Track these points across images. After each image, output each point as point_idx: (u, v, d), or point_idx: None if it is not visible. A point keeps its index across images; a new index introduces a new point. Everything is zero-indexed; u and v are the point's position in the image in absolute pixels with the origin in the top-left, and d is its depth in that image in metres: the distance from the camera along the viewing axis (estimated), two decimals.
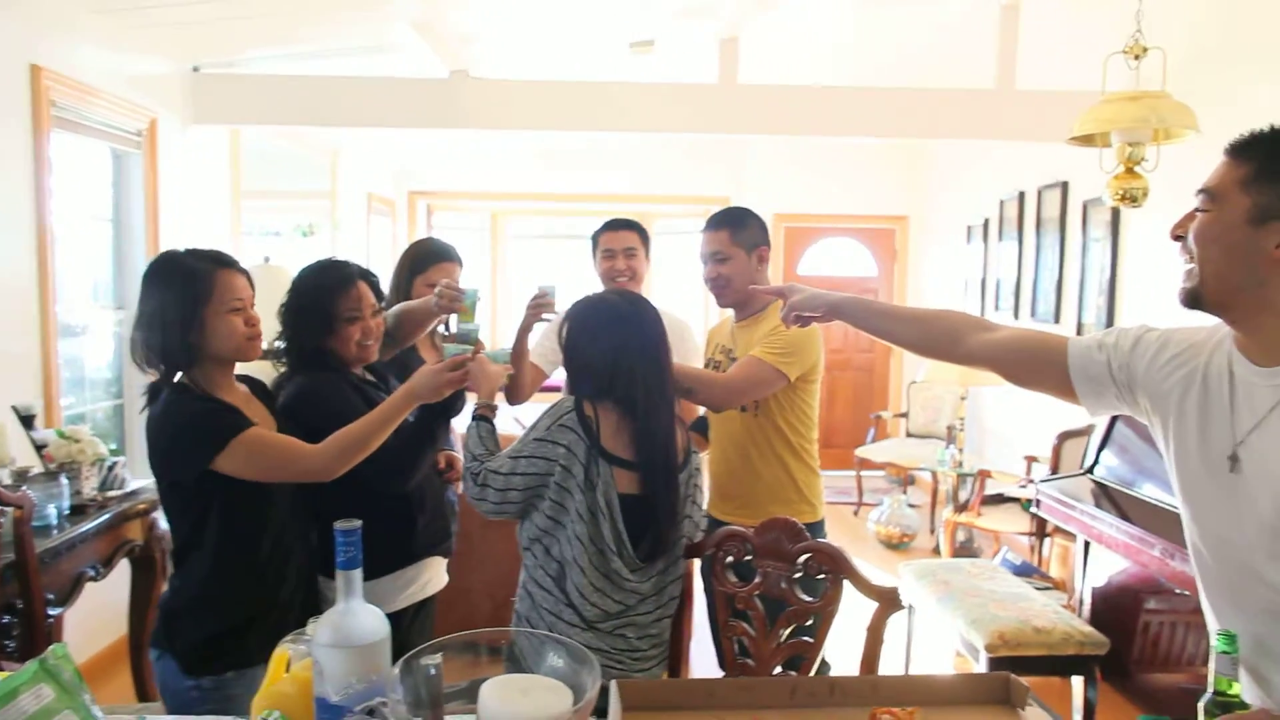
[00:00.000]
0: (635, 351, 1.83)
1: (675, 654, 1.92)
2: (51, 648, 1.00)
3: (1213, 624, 1.31)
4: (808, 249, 7.52)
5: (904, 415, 6.58)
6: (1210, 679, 1.10)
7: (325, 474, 1.72)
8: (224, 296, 1.70)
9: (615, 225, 2.78)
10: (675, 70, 5.59)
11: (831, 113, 4.41)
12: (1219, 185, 1.20)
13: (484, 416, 1.90)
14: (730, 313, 2.50)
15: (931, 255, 7.20)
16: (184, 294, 1.68)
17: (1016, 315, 5.50)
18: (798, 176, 7.20)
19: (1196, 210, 1.23)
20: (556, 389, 2.40)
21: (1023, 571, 3.80)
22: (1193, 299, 1.24)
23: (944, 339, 1.53)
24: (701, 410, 2.51)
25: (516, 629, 1.38)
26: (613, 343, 1.83)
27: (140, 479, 2.98)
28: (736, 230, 2.34)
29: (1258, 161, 1.17)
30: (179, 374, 1.72)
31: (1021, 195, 5.41)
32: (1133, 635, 3.21)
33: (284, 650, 1.36)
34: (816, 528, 2.34)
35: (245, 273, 1.78)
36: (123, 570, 2.88)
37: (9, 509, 2.22)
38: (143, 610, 2.91)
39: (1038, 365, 1.43)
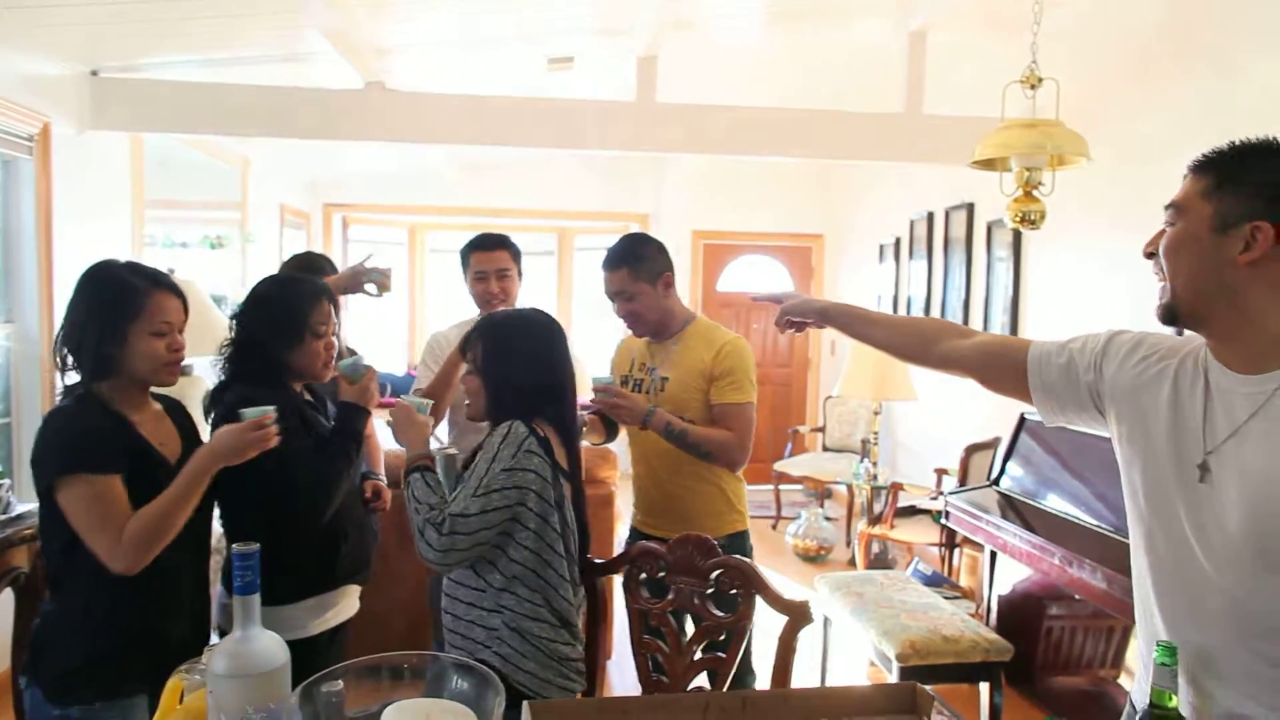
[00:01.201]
0: (561, 367, 1.83)
1: (591, 672, 1.91)
2: None
3: (1149, 631, 1.30)
4: (727, 266, 7.63)
5: (821, 429, 6.70)
6: (1147, 692, 1.10)
7: (115, 564, 1.58)
8: (152, 317, 1.66)
9: (486, 244, 2.74)
10: (593, 88, 5.62)
11: (747, 133, 4.49)
12: (1183, 199, 1.23)
13: (423, 468, 1.76)
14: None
15: (846, 273, 7.38)
16: (112, 307, 1.65)
17: None
18: (716, 194, 7.31)
19: (1165, 226, 1.26)
20: None
21: (933, 582, 3.90)
22: (1169, 315, 1.24)
23: (919, 344, 1.58)
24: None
25: (420, 652, 1.34)
26: (543, 360, 1.82)
27: (27, 503, 2.83)
28: (635, 266, 2.36)
29: (1217, 171, 1.19)
30: (91, 383, 1.67)
31: (930, 215, 5.60)
32: (1036, 641, 3.33)
33: (178, 680, 1.31)
34: (744, 536, 2.40)
35: (183, 297, 1.74)
36: (6, 600, 2.71)
37: None
38: (26, 641, 2.75)
39: (1001, 367, 1.45)
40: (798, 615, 1.70)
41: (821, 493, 6.61)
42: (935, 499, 4.68)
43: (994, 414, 4.62)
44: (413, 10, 3.98)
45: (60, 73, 3.85)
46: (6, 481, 2.74)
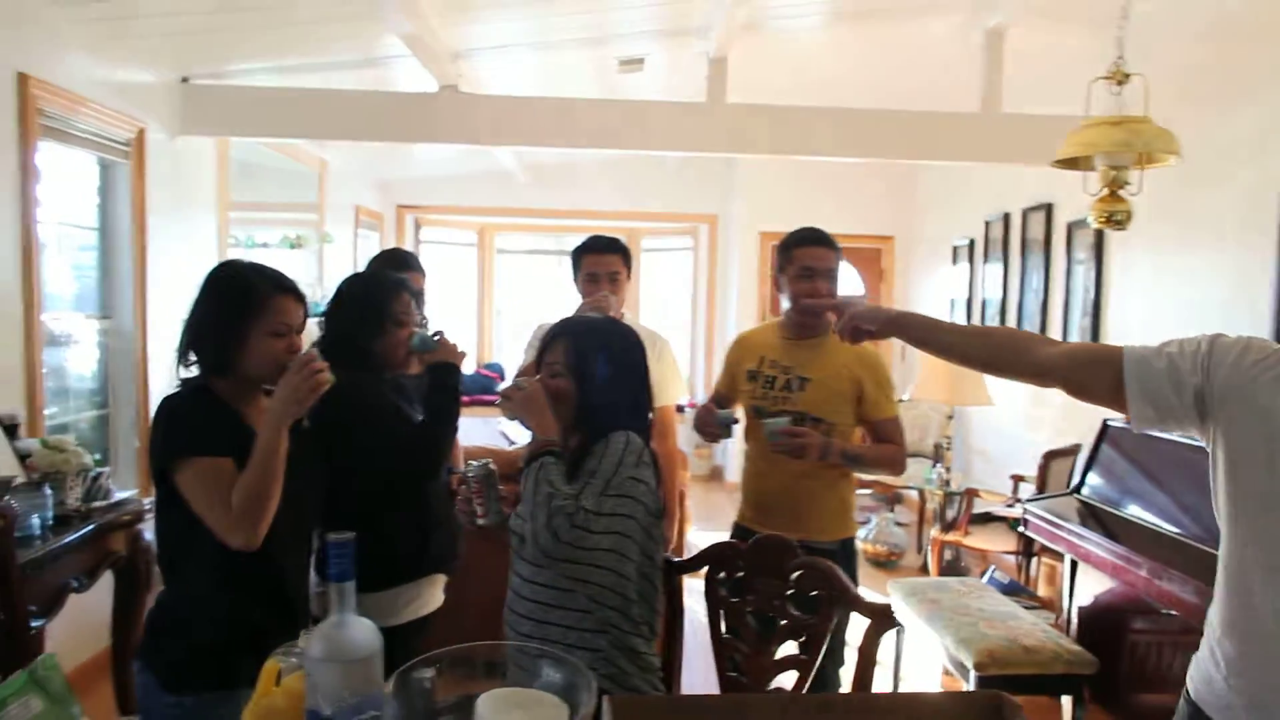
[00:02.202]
0: (648, 382, 1.83)
1: (668, 671, 1.91)
2: (41, 658, 0.98)
3: (1251, 631, 1.28)
4: None
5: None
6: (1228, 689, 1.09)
7: (233, 539, 1.60)
8: (272, 318, 1.69)
9: (599, 247, 2.75)
10: (664, 89, 5.63)
11: (819, 134, 4.45)
12: None
13: (555, 452, 1.68)
14: (769, 323, 2.56)
15: (918, 275, 7.26)
16: (234, 306, 1.69)
17: None
18: (785, 195, 7.24)
19: None
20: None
21: (1010, 590, 3.81)
22: None
23: (1009, 354, 1.53)
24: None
25: (512, 643, 1.36)
26: (638, 374, 1.81)
27: (125, 490, 2.95)
28: (838, 254, 2.41)
29: None
30: (209, 378, 1.73)
31: (1007, 217, 5.47)
32: (1120, 655, 3.22)
33: (274, 662, 1.35)
34: (853, 541, 2.45)
35: (304, 301, 1.77)
36: (106, 582, 2.84)
37: None
38: (126, 623, 2.87)
39: (1094, 375, 1.40)
40: (880, 619, 1.67)
41: (891, 497, 6.50)
42: (1012, 506, 4.57)
43: (1074, 421, 4.49)
44: (486, 14, 4.05)
45: (154, 80, 4.02)
46: (106, 469, 2.86)
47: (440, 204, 7.92)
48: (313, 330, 1.98)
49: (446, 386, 2.06)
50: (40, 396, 3.18)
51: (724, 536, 2.00)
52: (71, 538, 2.54)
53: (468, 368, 8.12)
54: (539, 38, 4.51)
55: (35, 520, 2.48)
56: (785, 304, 2.47)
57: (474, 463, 1.93)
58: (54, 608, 2.50)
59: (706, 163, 7.63)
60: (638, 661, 1.65)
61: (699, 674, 3.60)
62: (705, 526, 6.00)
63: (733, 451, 7.50)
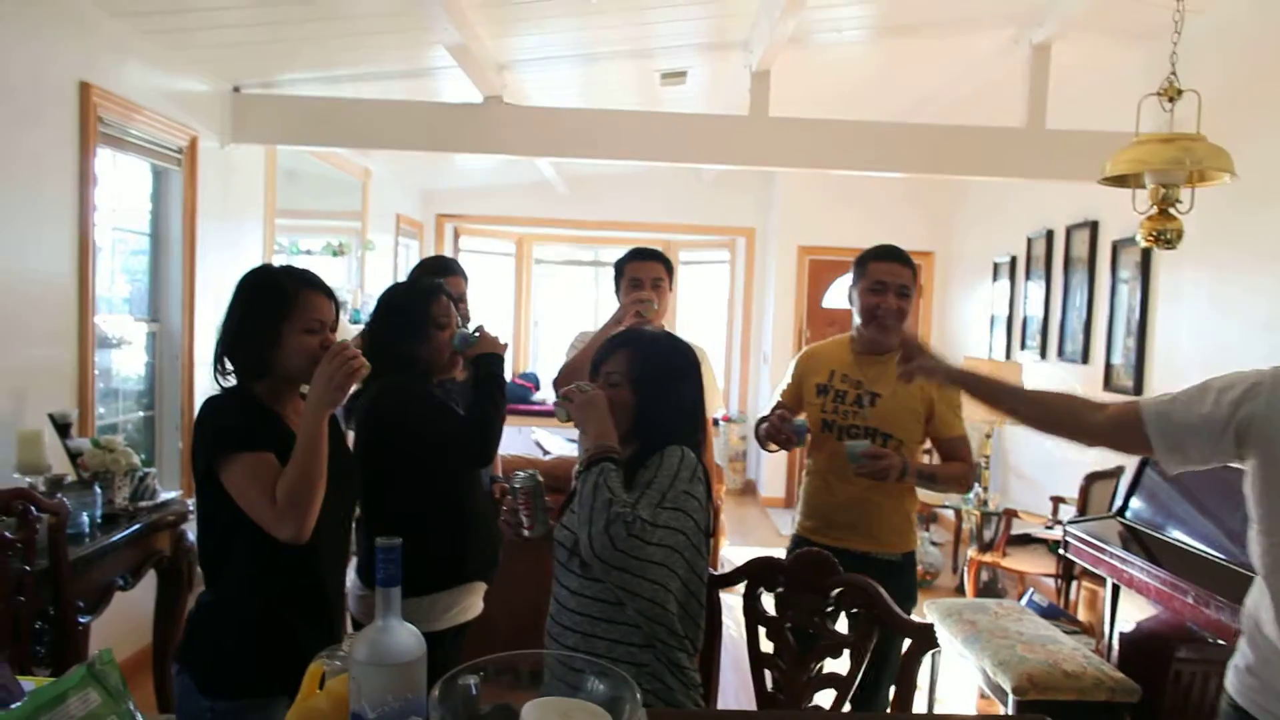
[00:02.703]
0: (702, 397, 1.83)
1: (706, 685, 1.90)
2: (99, 653, 1.01)
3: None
4: (833, 282, 7.52)
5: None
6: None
7: (281, 532, 1.61)
8: (304, 314, 1.71)
9: (643, 254, 2.80)
10: (706, 102, 5.64)
11: (862, 148, 4.43)
12: None
13: (610, 457, 1.63)
14: (838, 338, 2.56)
15: (957, 292, 7.18)
16: (265, 307, 1.71)
17: (1044, 355, 5.47)
18: (823, 209, 7.23)
19: None
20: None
21: (1050, 614, 3.74)
22: None
23: (1067, 420, 1.71)
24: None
25: (557, 651, 1.36)
26: (695, 386, 1.81)
27: (169, 491, 3.01)
28: (914, 272, 2.44)
29: None
30: (247, 381, 1.75)
31: (1050, 234, 5.40)
32: (1164, 684, 3.14)
33: (319, 665, 1.36)
34: (914, 555, 2.46)
35: (334, 298, 1.80)
36: (150, 581, 2.89)
37: (45, 515, 2.24)
38: (167, 622, 2.92)
39: (1128, 439, 1.61)
40: (922, 639, 1.65)
41: (927, 516, 6.42)
42: (1051, 528, 4.49)
43: None
44: (531, 26, 4.09)
45: (207, 90, 4.11)
46: (152, 470, 2.92)
47: (479, 214, 8.00)
48: (348, 329, 2.01)
49: (492, 374, 2.10)
50: (91, 397, 3.25)
51: (757, 552, 1.98)
52: (119, 536, 2.59)
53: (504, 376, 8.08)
54: (583, 50, 4.55)
55: (85, 518, 2.54)
56: (856, 319, 2.50)
57: (520, 474, 1.94)
58: (101, 604, 2.56)
59: (744, 176, 7.63)
60: (682, 677, 1.64)
61: (730, 690, 3.58)
62: (738, 541, 5.97)
63: (766, 466, 7.47)
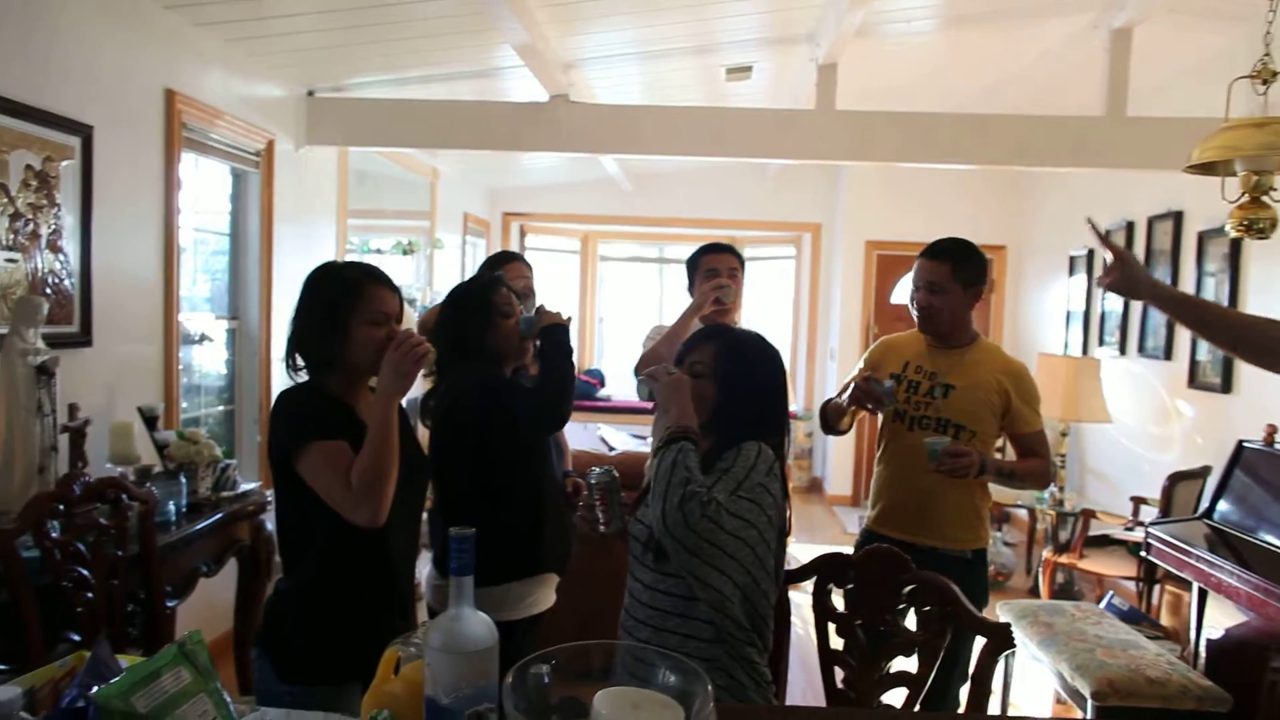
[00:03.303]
0: (785, 397, 1.81)
1: (776, 683, 1.89)
2: (189, 633, 1.04)
3: None
4: (901, 278, 7.39)
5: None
6: None
7: (357, 516, 1.64)
8: (368, 307, 1.75)
9: (717, 249, 2.83)
10: (771, 97, 5.59)
11: (932, 140, 4.34)
12: None
13: (690, 438, 1.62)
14: (914, 331, 2.54)
15: (1031, 287, 6.99)
16: (330, 303, 1.76)
17: (1123, 351, 5.28)
18: (891, 203, 7.10)
19: None
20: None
21: (1131, 618, 3.61)
22: None
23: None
24: None
25: (629, 643, 1.37)
26: (778, 388, 1.79)
27: (249, 482, 3.11)
28: (959, 266, 2.38)
29: None
30: (317, 377, 1.80)
31: (1130, 225, 5.21)
32: (1256, 695, 3.01)
33: (394, 651, 1.39)
34: (985, 553, 2.43)
35: (397, 291, 1.84)
36: (231, 568, 2.99)
37: (135, 503, 2.33)
38: (247, 608, 3.02)
39: None
40: (999, 638, 1.61)
41: (999, 515, 6.27)
42: (1131, 529, 4.34)
43: (1205, 441, 4.25)
44: (597, 24, 4.11)
45: (282, 94, 4.23)
46: (233, 461, 3.02)
47: (545, 211, 8.07)
48: (410, 318, 2.05)
49: (558, 342, 2.12)
50: (176, 391, 3.38)
51: (824, 550, 1.95)
52: (203, 524, 2.69)
53: None
54: (647, 47, 4.55)
55: (171, 507, 2.64)
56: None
57: (596, 469, 1.93)
58: (187, 589, 2.66)
59: (809, 171, 7.55)
60: (753, 673, 1.63)
61: (797, 688, 3.55)
62: (805, 539, 5.91)
63: (833, 462, 7.38)
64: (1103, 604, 3.93)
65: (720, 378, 1.73)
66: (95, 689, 0.95)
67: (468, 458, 2.08)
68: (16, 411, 2.30)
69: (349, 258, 4.94)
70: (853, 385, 2.44)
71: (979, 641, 1.68)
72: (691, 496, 1.53)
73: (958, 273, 2.38)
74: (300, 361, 1.81)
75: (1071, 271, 6.11)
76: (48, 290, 2.69)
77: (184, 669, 0.99)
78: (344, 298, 1.75)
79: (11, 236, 2.57)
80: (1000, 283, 7.26)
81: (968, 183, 6.89)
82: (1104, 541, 4.53)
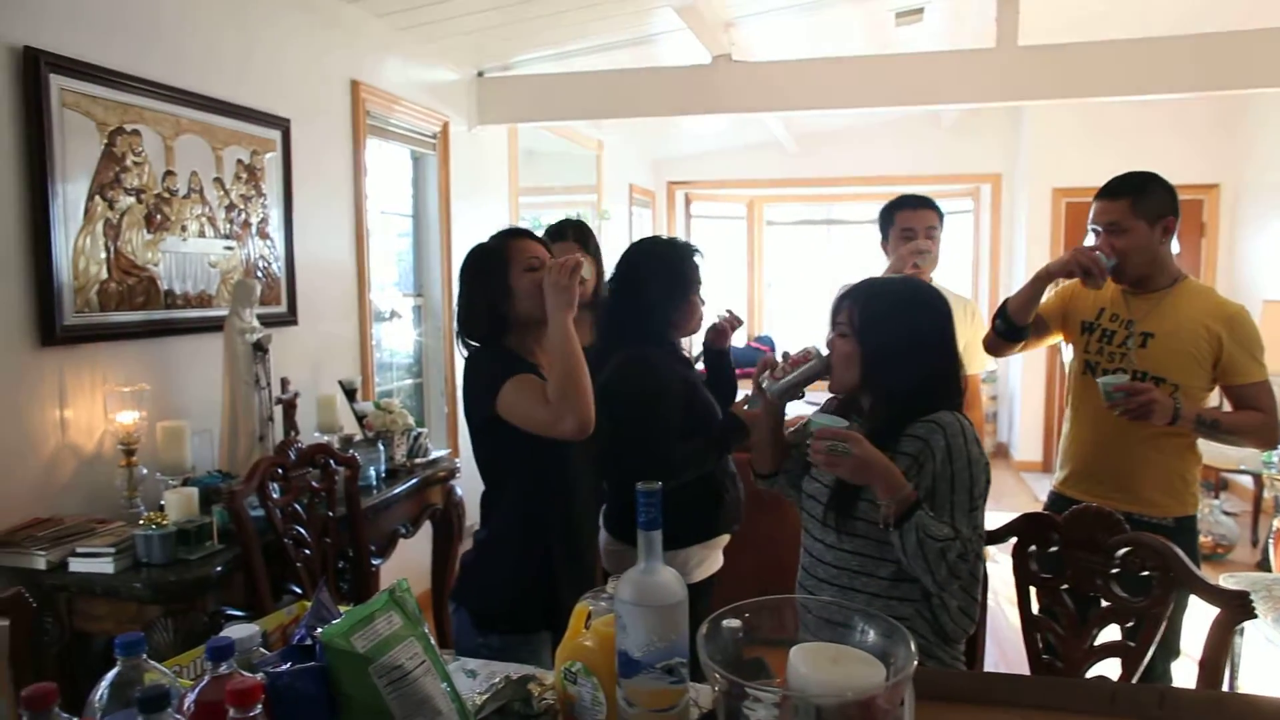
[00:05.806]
0: (952, 349, 1.67)
1: (971, 646, 1.80)
2: (397, 581, 1.10)
3: None
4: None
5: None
6: None
7: (564, 427, 1.67)
8: (520, 258, 1.83)
9: (914, 202, 2.65)
10: (945, 40, 5.27)
11: (1129, 70, 3.93)
12: None
13: (916, 504, 1.50)
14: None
15: (1251, 230, 6.27)
16: (485, 271, 1.85)
17: None
18: (1081, 145, 6.54)
19: None
20: None
21: None
22: None
23: None
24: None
25: (823, 598, 1.34)
26: (933, 337, 1.64)
27: (439, 449, 3.29)
28: (1139, 199, 2.09)
29: None
30: (493, 341, 1.86)
31: None
32: None
33: (585, 605, 1.42)
34: (1193, 521, 2.15)
35: (537, 238, 1.93)
36: (426, 531, 3.18)
37: (341, 468, 2.51)
38: (442, 567, 3.21)
39: None
40: (1235, 607, 1.45)
41: (1217, 483, 5.72)
42: None
43: None
44: None
45: (455, 77, 4.39)
46: (424, 429, 3.20)
47: (709, 179, 8.01)
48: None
49: (734, 429, 2.10)
50: (371, 365, 3.61)
51: (1010, 518, 1.80)
52: (400, 489, 2.87)
53: (739, 340, 8.16)
54: None
55: (372, 472, 2.83)
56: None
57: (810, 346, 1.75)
58: (388, 549, 2.85)
59: (987, 117, 7.08)
60: (942, 634, 1.56)
61: (989, 661, 3.39)
62: (992, 507, 5.62)
63: (1020, 428, 6.97)
64: None
65: (859, 335, 1.61)
66: (320, 630, 1.02)
67: (641, 431, 2.03)
68: (238, 385, 2.52)
69: None
70: (1063, 260, 2.15)
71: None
72: (955, 562, 1.47)
73: (1138, 206, 2.08)
74: (471, 342, 1.89)
75: None
76: (259, 274, 2.94)
77: (395, 614, 1.05)
78: (496, 261, 1.84)
79: (228, 225, 2.81)
80: (1211, 226, 6.56)
81: (1171, 115, 6.23)
82: None
